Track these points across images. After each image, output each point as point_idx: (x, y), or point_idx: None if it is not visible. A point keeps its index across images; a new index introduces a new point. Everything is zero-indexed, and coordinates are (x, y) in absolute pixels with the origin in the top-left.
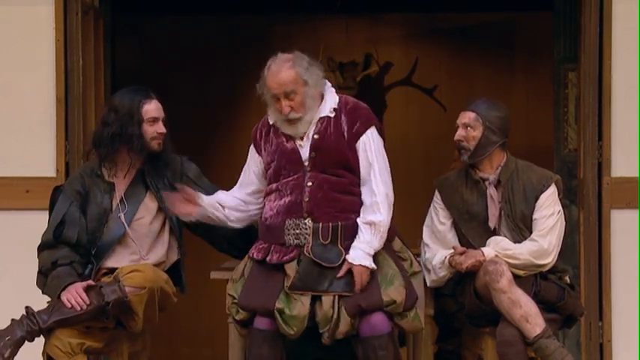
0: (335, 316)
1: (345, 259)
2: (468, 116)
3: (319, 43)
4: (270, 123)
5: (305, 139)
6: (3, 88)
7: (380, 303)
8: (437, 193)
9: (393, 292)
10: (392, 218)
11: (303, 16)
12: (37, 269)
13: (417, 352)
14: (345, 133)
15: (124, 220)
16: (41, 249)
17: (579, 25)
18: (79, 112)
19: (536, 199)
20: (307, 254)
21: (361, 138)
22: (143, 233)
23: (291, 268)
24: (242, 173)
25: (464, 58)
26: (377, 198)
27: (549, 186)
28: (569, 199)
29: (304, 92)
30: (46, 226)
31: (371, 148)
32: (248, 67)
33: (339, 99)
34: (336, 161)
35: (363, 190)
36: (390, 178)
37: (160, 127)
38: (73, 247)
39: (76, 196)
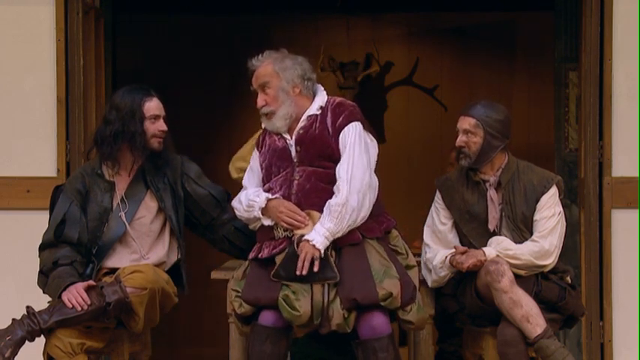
0: (326, 305)
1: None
2: (467, 122)
3: (320, 43)
4: (263, 126)
5: (293, 135)
6: (4, 87)
7: (375, 297)
8: (438, 193)
9: (388, 284)
10: (386, 211)
11: (303, 16)
12: (38, 269)
13: (418, 352)
14: (330, 127)
15: (124, 219)
16: (42, 249)
17: (580, 25)
18: (79, 112)
19: (537, 200)
20: (293, 243)
21: (343, 130)
22: (144, 232)
23: (280, 260)
24: (247, 179)
25: (465, 57)
26: (339, 181)
27: (550, 187)
28: (570, 198)
29: (277, 85)
30: (47, 225)
31: (351, 138)
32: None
33: (328, 99)
34: (321, 154)
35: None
36: (366, 169)
37: (162, 125)
38: (73, 247)
39: (77, 195)
